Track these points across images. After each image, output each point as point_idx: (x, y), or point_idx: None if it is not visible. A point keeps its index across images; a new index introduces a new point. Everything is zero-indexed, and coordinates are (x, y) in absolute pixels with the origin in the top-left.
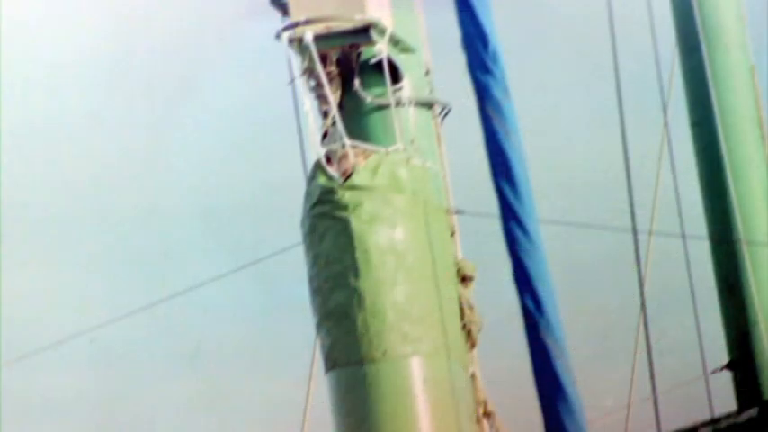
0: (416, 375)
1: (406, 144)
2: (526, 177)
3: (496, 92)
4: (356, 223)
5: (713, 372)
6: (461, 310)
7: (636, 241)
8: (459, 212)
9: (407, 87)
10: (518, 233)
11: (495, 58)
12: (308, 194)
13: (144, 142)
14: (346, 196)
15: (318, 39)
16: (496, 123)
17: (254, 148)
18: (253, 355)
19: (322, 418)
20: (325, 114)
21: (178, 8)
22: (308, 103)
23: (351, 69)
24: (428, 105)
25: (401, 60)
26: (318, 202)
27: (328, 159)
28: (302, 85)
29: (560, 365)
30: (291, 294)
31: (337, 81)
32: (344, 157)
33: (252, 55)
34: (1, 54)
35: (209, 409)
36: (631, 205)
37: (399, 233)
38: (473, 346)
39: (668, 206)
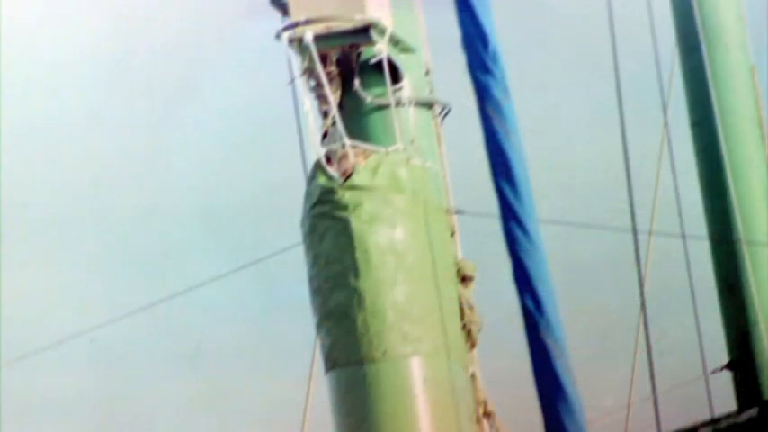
0: (416, 375)
1: (406, 144)
2: (526, 177)
3: (496, 92)
4: (356, 223)
5: (713, 372)
6: (461, 310)
7: (636, 241)
8: (459, 212)
9: (407, 87)
10: (518, 233)
11: (495, 58)
12: (308, 194)
13: (144, 142)
14: (346, 196)
15: (318, 39)
16: (496, 123)
17: (254, 148)
18: (253, 355)
19: (322, 418)
20: (325, 114)
21: (178, 8)
22: (308, 103)
23: (351, 69)
24: (428, 105)
25: (401, 60)
26: (318, 202)
27: (328, 159)
28: (302, 85)
29: (560, 365)
30: (291, 294)
31: (337, 81)
32: (344, 157)
33: (252, 55)
34: (1, 54)
35: (209, 409)
36: (631, 205)
37: (399, 233)
38: (473, 346)
39: (668, 206)
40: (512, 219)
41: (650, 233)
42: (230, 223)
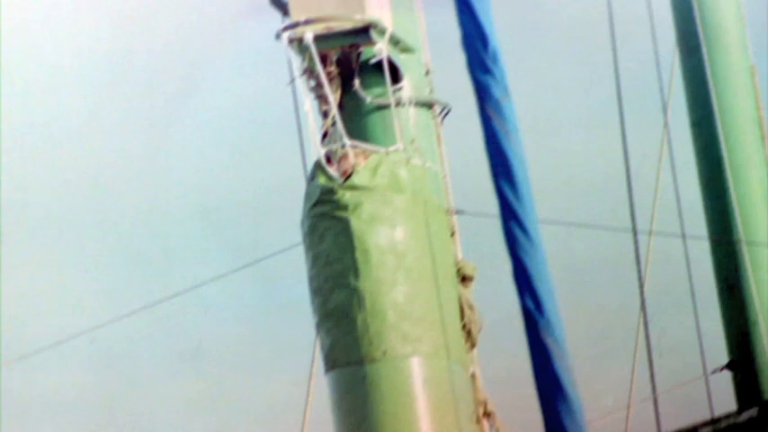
0: (416, 375)
1: (406, 144)
2: (526, 177)
3: (496, 92)
4: (356, 223)
5: (713, 372)
6: (461, 310)
7: (636, 241)
8: (459, 212)
9: (407, 87)
10: (518, 233)
11: (495, 58)
12: (308, 194)
13: (144, 142)
14: (346, 196)
15: (318, 39)
16: (496, 123)
17: (254, 148)
18: (253, 355)
19: (322, 419)
20: (325, 114)
21: (178, 8)
22: (308, 103)
23: (351, 69)
24: (428, 105)
25: (401, 60)
26: (318, 202)
27: (328, 159)
28: (302, 85)
29: (560, 365)
30: (291, 294)
31: (337, 81)
32: (344, 157)
33: (252, 55)
34: (1, 54)
35: (209, 409)
36: (631, 205)
37: (399, 233)
38: (473, 346)
39: (668, 206)
40: (512, 219)
41: (650, 233)
42: (230, 223)
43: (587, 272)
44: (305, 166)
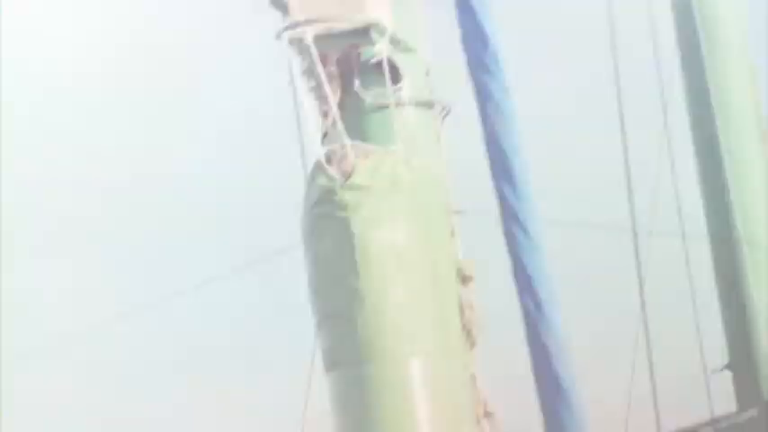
0: (416, 375)
1: (407, 144)
2: (526, 177)
3: (496, 92)
4: (356, 223)
5: (713, 372)
6: (461, 310)
7: (636, 241)
8: (459, 212)
9: (407, 87)
10: (518, 233)
11: (495, 58)
12: (308, 194)
13: (143, 143)
14: (346, 196)
15: (318, 39)
16: (496, 123)
17: (254, 148)
18: (253, 355)
19: (322, 419)
20: (325, 114)
21: (178, 8)
22: (308, 103)
23: (351, 69)
24: (428, 105)
25: (401, 60)
26: (318, 202)
27: (328, 159)
28: (302, 85)
29: (560, 365)
30: (291, 294)
31: (337, 81)
32: (344, 157)
33: (252, 55)
34: (1, 54)
35: (209, 409)
36: (631, 205)
37: (399, 233)
38: (473, 346)
39: (668, 206)
40: (512, 219)
41: (650, 233)
42: (230, 223)
43: (587, 272)
44: (305, 166)
